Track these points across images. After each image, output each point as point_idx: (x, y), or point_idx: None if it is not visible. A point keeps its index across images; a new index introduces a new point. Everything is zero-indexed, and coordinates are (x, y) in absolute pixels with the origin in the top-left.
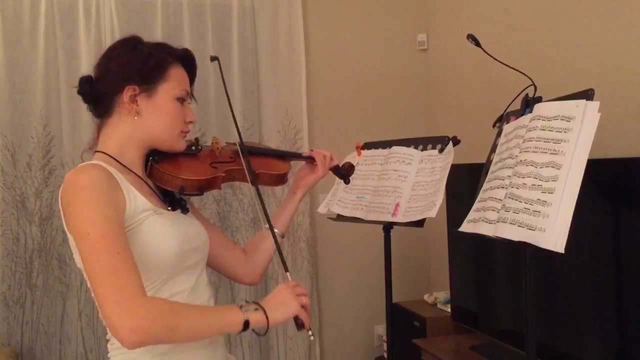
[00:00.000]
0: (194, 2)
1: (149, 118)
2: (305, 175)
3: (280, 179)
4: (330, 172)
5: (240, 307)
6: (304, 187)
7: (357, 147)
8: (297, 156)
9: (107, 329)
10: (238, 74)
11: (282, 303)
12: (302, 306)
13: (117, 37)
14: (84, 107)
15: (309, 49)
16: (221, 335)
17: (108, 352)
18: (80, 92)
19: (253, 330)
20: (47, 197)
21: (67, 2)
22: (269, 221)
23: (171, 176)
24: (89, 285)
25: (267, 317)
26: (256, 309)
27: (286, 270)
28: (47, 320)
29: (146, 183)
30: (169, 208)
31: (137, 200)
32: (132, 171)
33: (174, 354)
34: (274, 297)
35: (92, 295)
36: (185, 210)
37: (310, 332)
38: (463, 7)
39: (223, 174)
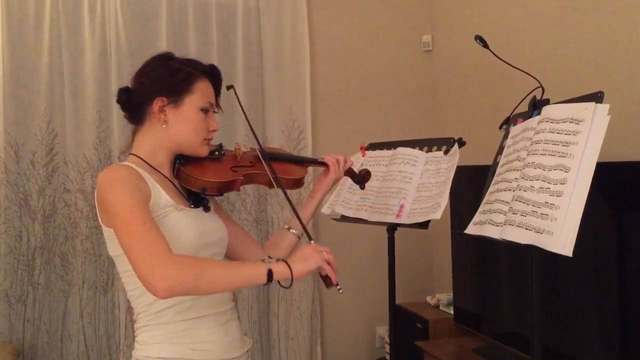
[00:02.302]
0: (199, 1)
1: (175, 126)
2: (320, 180)
3: (297, 183)
4: (347, 177)
5: (263, 260)
6: (319, 191)
7: (361, 148)
8: (313, 162)
9: (144, 286)
10: (242, 74)
11: (305, 257)
12: (327, 262)
13: (122, 35)
14: (87, 104)
15: (313, 49)
16: (247, 286)
17: (134, 331)
18: (118, 102)
19: (279, 282)
20: (50, 194)
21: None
22: (290, 203)
23: (195, 178)
24: (118, 270)
25: (290, 269)
26: (278, 261)
27: (310, 239)
28: (49, 318)
29: (172, 183)
30: (192, 206)
31: (161, 197)
32: (160, 172)
33: (190, 332)
34: (297, 254)
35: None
36: (206, 209)
37: (339, 287)
38: (468, 8)
39: (242, 178)
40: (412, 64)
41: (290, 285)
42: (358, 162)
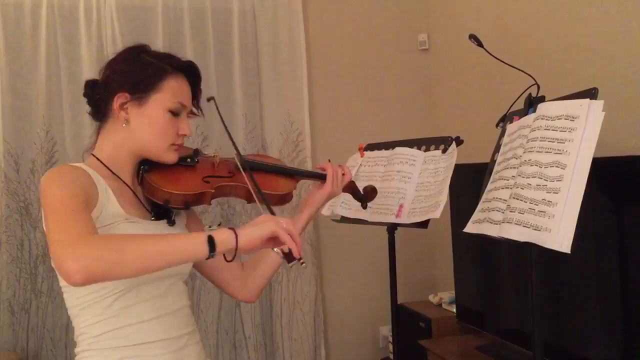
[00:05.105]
0: (195, 6)
1: (137, 127)
2: (313, 192)
3: (282, 199)
4: (349, 194)
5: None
6: (310, 206)
7: (360, 149)
8: (309, 175)
9: (59, 274)
10: (239, 78)
11: (256, 222)
12: (286, 232)
13: (119, 42)
14: (86, 112)
15: (310, 51)
16: (187, 261)
17: (75, 356)
18: (84, 95)
19: (223, 255)
20: None
21: (67, 8)
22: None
23: (156, 188)
24: None
25: (235, 235)
26: (220, 226)
27: (272, 213)
28: (53, 325)
29: (133, 191)
30: (153, 218)
31: (110, 205)
32: (119, 178)
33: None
34: (250, 222)
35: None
36: (171, 222)
37: (301, 260)
38: (464, 6)
39: (213, 190)
40: (408, 63)
41: (234, 257)
42: (357, 163)
